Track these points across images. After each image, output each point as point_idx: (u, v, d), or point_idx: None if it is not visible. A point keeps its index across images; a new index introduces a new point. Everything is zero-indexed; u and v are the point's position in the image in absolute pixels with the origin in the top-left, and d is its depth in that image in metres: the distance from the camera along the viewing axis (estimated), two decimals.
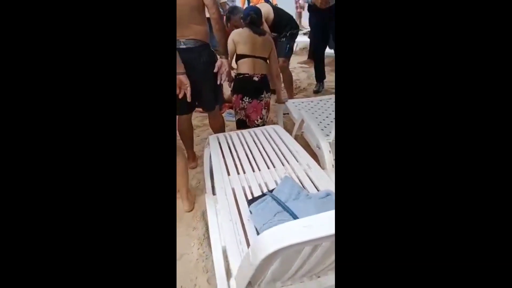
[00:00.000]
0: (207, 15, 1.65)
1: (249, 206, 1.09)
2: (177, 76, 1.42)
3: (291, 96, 2.87)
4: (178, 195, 1.76)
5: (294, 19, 2.88)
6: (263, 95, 2.12)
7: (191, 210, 1.66)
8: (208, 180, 1.85)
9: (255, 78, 2.07)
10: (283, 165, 1.43)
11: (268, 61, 2.16)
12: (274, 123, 2.78)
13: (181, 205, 1.70)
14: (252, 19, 2.09)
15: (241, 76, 2.08)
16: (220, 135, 1.82)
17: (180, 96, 1.49)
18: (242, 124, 2.16)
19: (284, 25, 2.66)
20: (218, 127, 1.98)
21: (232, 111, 2.75)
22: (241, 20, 2.20)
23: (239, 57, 2.07)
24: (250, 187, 1.29)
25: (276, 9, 2.69)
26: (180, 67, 1.40)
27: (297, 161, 1.44)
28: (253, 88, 2.09)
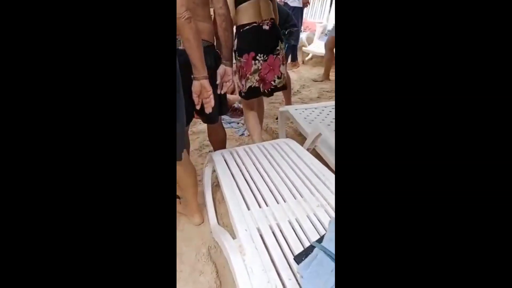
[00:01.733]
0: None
1: (297, 264, 0.83)
2: (199, 82, 1.11)
3: (289, 101, 2.62)
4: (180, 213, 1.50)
5: (292, 17, 2.63)
6: (278, 47, 1.67)
7: (202, 222, 1.48)
8: (212, 208, 1.57)
9: (265, 27, 1.58)
10: (313, 195, 1.18)
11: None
12: (273, 131, 2.53)
13: (181, 235, 1.41)
14: None
15: (247, 27, 1.55)
16: (225, 152, 1.53)
17: (198, 106, 1.19)
18: (254, 93, 1.69)
19: (282, 22, 2.41)
20: (219, 142, 1.68)
21: (226, 117, 2.47)
22: None
23: (239, 2, 1.54)
24: (279, 225, 1.03)
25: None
26: (202, 70, 1.09)
27: (329, 189, 1.20)
28: (266, 40, 1.60)
